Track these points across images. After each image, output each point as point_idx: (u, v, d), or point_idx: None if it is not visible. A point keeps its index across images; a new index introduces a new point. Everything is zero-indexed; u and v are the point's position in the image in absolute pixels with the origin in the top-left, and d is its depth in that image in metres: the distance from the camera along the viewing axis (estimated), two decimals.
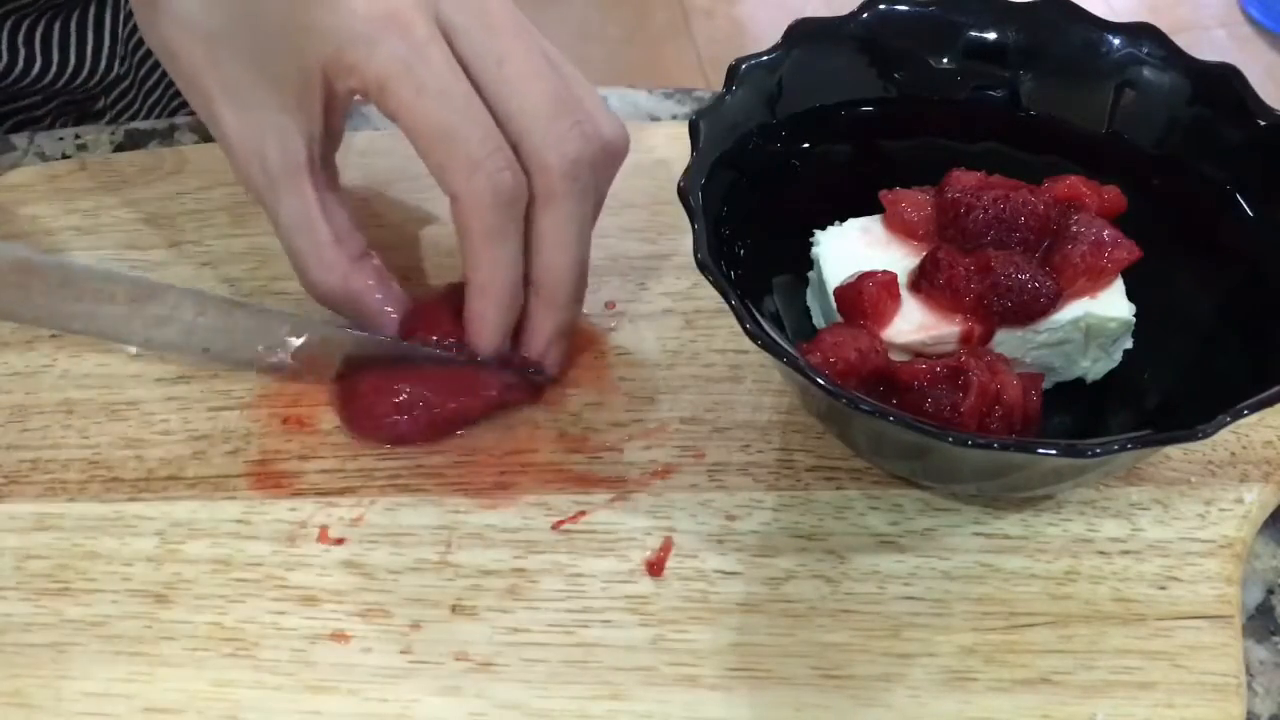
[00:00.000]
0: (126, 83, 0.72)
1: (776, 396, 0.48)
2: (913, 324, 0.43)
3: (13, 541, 0.46)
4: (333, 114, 0.46)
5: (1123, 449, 0.36)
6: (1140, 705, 0.40)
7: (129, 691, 0.42)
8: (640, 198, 0.54)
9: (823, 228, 0.46)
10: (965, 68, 0.48)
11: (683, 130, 0.44)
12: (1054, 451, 0.36)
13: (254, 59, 0.45)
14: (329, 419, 0.48)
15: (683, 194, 0.42)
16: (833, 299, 0.44)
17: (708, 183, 0.43)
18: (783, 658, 0.41)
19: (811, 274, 0.47)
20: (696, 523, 0.45)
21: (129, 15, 0.71)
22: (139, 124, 0.63)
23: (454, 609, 0.43)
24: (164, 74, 0.75)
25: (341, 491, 0.46)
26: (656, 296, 0.52)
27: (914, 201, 0.45)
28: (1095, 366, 0.46)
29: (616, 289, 0.52)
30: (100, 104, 0.71)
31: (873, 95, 0.48)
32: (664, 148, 0.55)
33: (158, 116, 0.74)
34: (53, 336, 0.52)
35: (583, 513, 0.45)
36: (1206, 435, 0.36)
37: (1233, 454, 0.45)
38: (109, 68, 0.69)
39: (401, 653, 0.42)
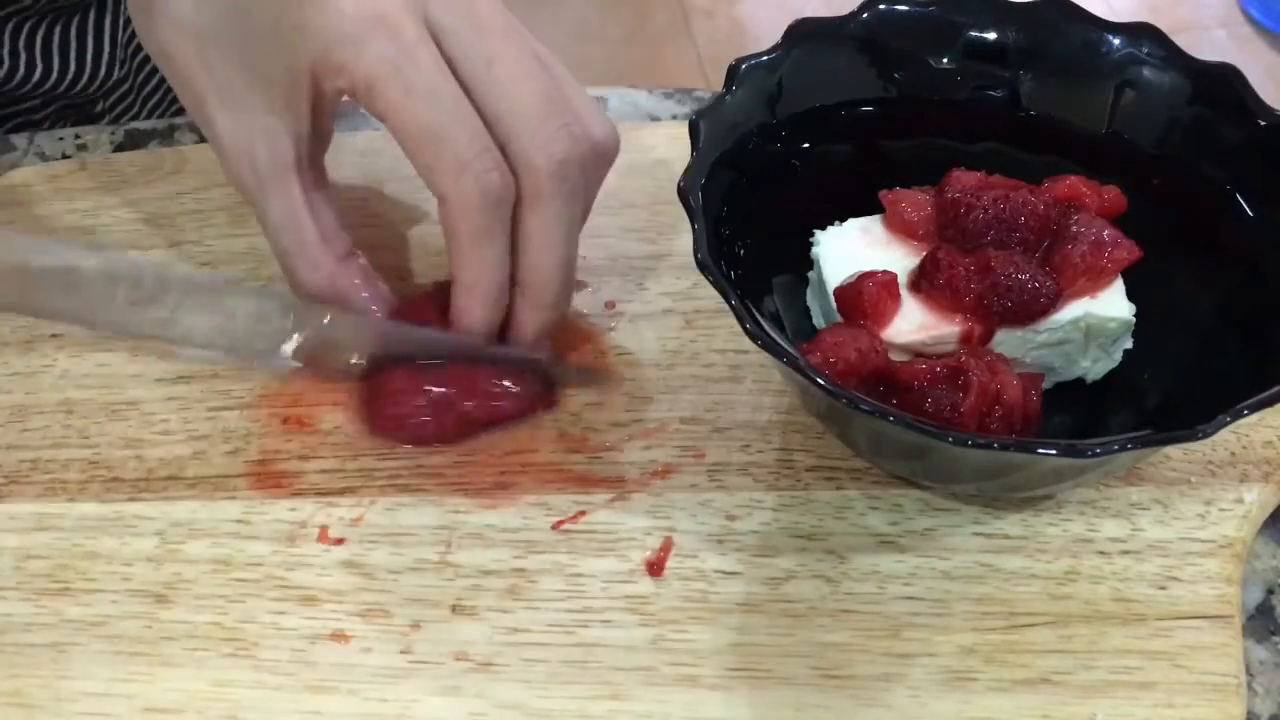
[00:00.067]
0: (126, 86, 0.72)
1: (776, 396, 0.48)
2: (913, 324, 0.43)
3: (13, 541, 0.46)
4: (321, 114, 0.46)
5: (1123, 449, 0.36)
6: (1140, 705, 0.40)
7: (129, 691, 0.42)
8: (640, 198, 0.54)
9: (823, 228, 0.46)
10: (965, 68, 0.48)
11: (683, 130, 0.44)
12: (1054, 451, 0.36)
13: (244, 59, 0.45)
14: (329, 419, 0.48)
15: (683, 194, 0.42)
16: (833, 299, 0.44)
17: (708, 183, 0.43)
18: (783, 658, 0.41)
19: (811, 274, 0.47)
20: (696, 523, 0.45)
21: (128, 20, 0.71)
22: (139, 124, 0.63)
23: (454, 609, 0.43)
24: (163, 78, 0.75)
25: (341, 491, 0.46)
26: (656, 296, 0.52)
27: (914, 201, 0.45)
28: (1095, 366, 0.46)
29: (616, 289, 0.52)
30: (99, 107, 0.71)
31: (873, 95, 0.48)
32: (664, 148, 0.55)
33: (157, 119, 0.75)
34: (53, 336, 0.52)
35: (583, 513, 0.45)
36: (1206, 435, 0.36)
37: (1233, 454, 0.45)
38: (109, 72, 0.70)
39: (401, 653, 0.42)
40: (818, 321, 0.47)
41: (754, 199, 0.46)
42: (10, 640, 0.43)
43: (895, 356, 0.43)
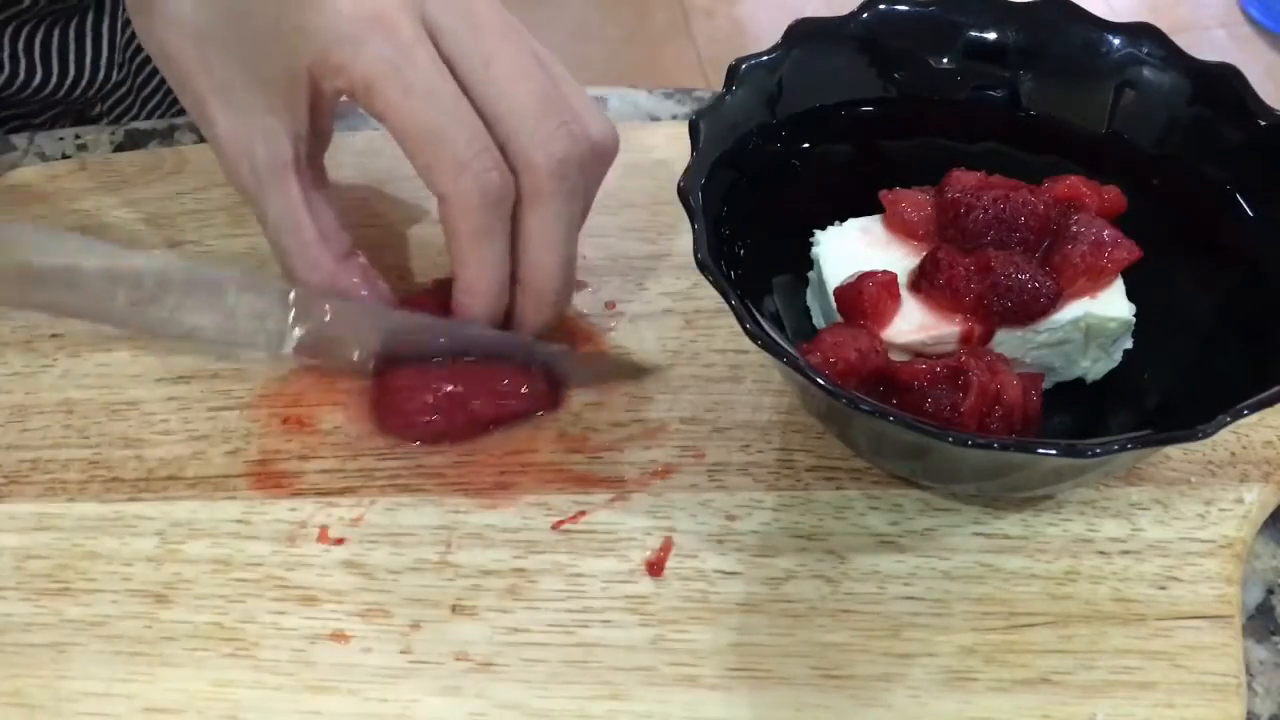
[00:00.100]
0: (124, 89, 0.72)
1: (776, 396, 0.48)
2: (913, 324, 0.43)
3: (13, 541, 0.46)
4: (319, 114, 0.46)
5: (1123, 449, 0.36)
6: (1140, 705, 0.40)
7: (129, 691, 0.42)
8: (640, 198, 0.54)
9: (823, 228, 0.46)
10: (965, 68, 0.48)
11: (683, 130, 0.44)
12: (1054, 451, 0.36)
13: (243, 59, 0.45)
14: (329, 419, 0.48)
15: (683, 194, 0.42)
16: (833, 299, 0.44)
17: (708, 183, 0.43)
18: (783, 658, 0.41)
19: (811, 274, 0.47)
20: (696, 523, 0.45)
21: (126, 23, 0.71)
22: (139, 124, 0.63)
23: (454, 609, 0.43)
24: (162, 81, 0.75)
25: (341, 491, 0.46)
26: (656, 296, 0.52)
27: (914, 201, 0.45)
28: (1095, 366, 0.46)
29: (616, 289, 0.52)
30: (97, 110, 0.71)
31: (873, 95, 0.48)
32: (664, 148, 0.55)
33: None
34: (53, 336, 0.52)
35: (583, 513, 0.45)
36: (1206, 435, 0.36)
37: (1233, 454, 0.45)
38: (107, 76, 0.69)
39: (401, 653, 0.42)
40: (818, 321, 0.47)
41: (754, 199, 0.46)
42: (10, 640, 0.43)
43: (895, 356, 0.43)
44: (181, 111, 0.75)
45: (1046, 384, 0.44)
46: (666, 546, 0.44)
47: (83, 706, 0.42)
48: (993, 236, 0.43)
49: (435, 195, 0.44)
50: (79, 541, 0.45)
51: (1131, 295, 0.44)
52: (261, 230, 0.48)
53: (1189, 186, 0.46)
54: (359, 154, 0.57)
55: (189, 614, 0.43)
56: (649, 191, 0.54)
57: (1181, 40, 0.46)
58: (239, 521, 0.46)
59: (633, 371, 0.49)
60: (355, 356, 0.49)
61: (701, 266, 0.40)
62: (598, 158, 0.46)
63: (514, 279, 0.46)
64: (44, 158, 0.61)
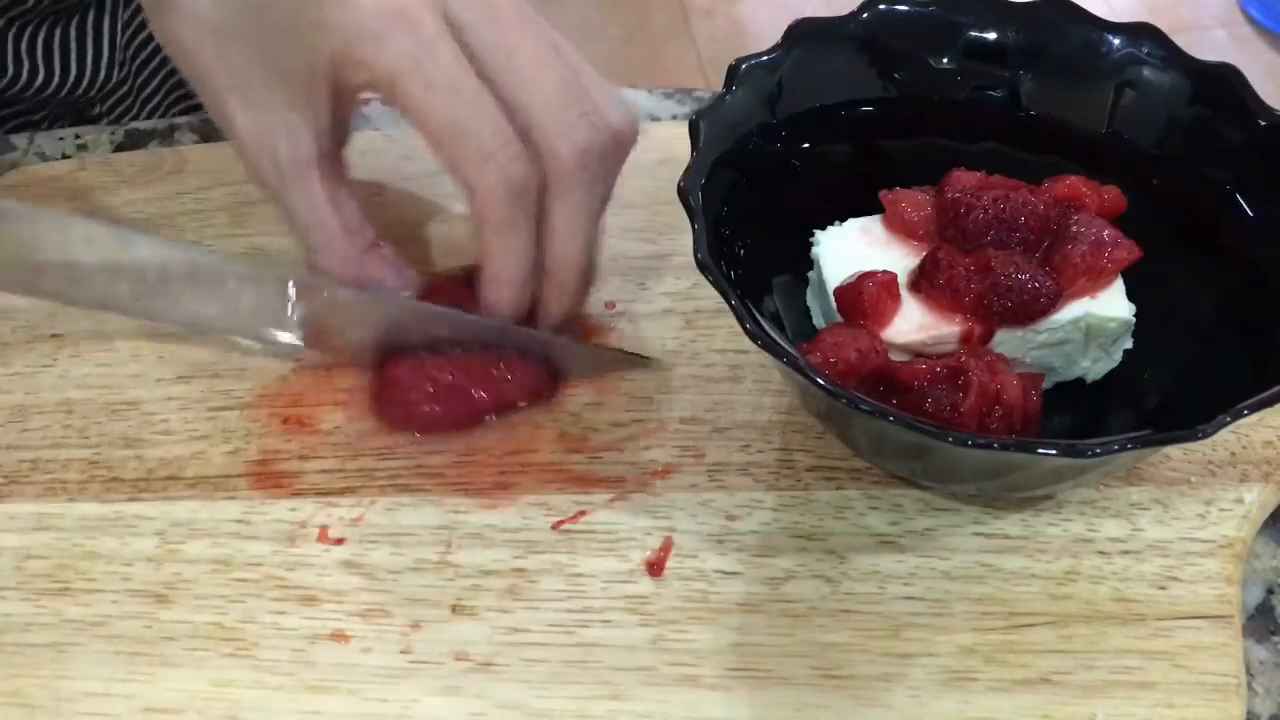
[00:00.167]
0: (124, 89, 0.72)
1: (776, 396, 0.48)
2: (913, 324, 0.43)
3: (13, 541, 0.46)
4: (341, 109, 0.46)
5: (1123, 449, 0.36)
6: (1140, 705, 0.40)
7: (129, 691, 0.42)
8: (640, 198, 0.54)
9: (823, 228, 0.46)
10: (965, 68, 0.48)
11: (683, 130, 0.44)
12: (1054, 451, 0.36)
13: (263, 55, 0.45)
14: (329, 419, 0.48)
15: (683, 194, 0.42)
16: (833, 299, 0.44)
17: (708, 183, 0.43)
18: (783, 658, 0.41)
19: (811, 274, 0.47)
20: (696, 523, 0.45)
21: (128, 22, 0.71)
22: (139, 124, 0.63)
23: (454, 609, 0.43)
24: (162, 80, 0.75)
25: (341, 491, 0.46)
26: (656, 296, 0.52)
27: (914, 201, 0.45)
28: (1095, 366, 0.46)
29: (616, 289, 0.52)
30: (97, 110, 0.71)
31: (873, 95, 0.48)
32: (664, 148, 0.55)
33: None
34: (53, 336, 0.52)
35: (583, 513, 0.45)
36: (1206, 435, 0.36)
37: (1233, 454, 0.45)
38: (108, 75, 0.69)
39: (401, 653, 0.42)
40: (818, 321, 0.47)
41: (754, 199, 0.46)
42: (10, 640, 0.43)
43: (895, 356, 0.43)
44: (183, 112, 0.76)
45: (1046, 384, 0.44)
46: (666, 546, 0.44)
47: (83, 706, 0.42)
48: (993, 236, 0.43)
49: (461, 188, 0.44)
50: (79, 541, 0.45)
51: (1131, 295, 0.44)
52: (286, 226, 0.48)
53: (1189, 186, 0.46)
54: (359, 154, 0.57)
55: (189, 614, 0.43)
56: (649, 191, 0.54)
57: (1181, 40, 0.46)
58: (239, 521, 0.46)
59: (630, 362, 0.49)
60: (357, 340, 0.49)
61: (701, 266, 0.40)
62: (618, 146, 0.46)
63: (538, 267, 0.47)
64: (44, 158, 0.61)
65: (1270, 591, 0.44)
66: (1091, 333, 0.44)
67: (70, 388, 0.50)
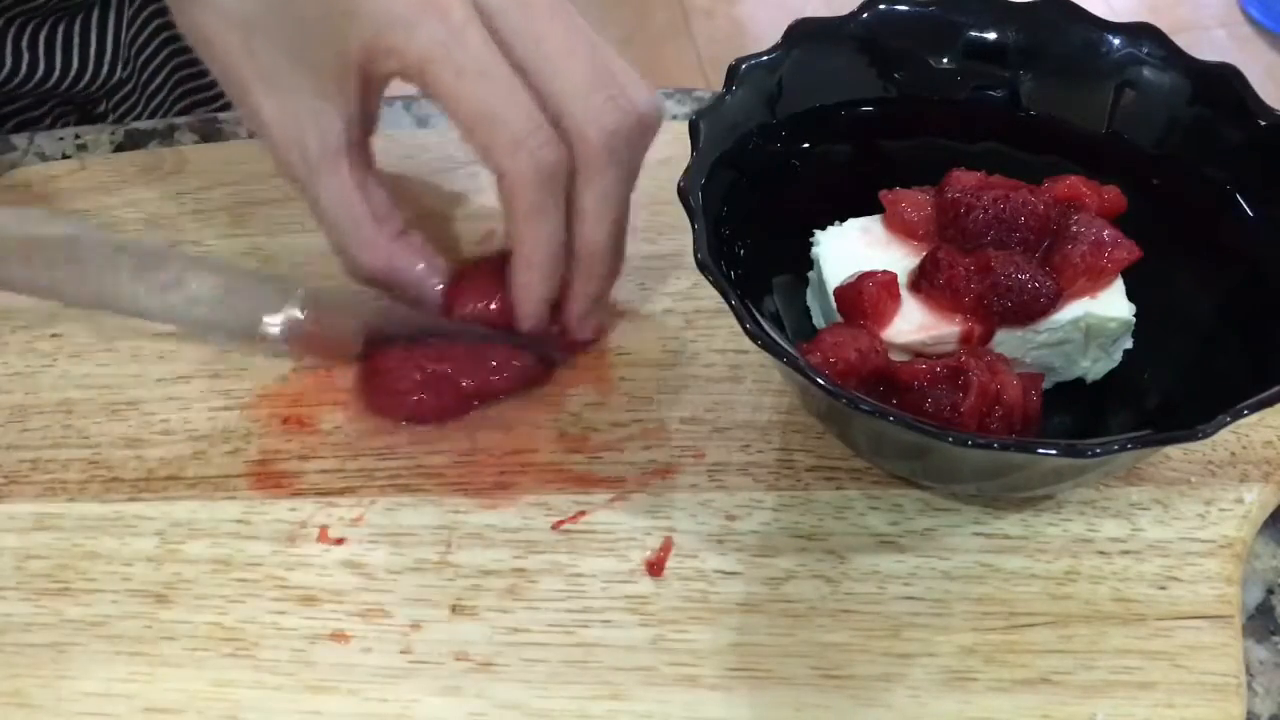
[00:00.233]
0: (129, 86, 0.72)
1: (776, 396, 0.48)
2: (913, 324, 0.43)
3: (13, 541, 0.46)
4: (369, 97, 0.47)
5: (1123, 449, 0.36)
6: (1140, 705, 0.40)
7: (129, 691, 0.42)
8: (640, 198, 0.53)
9: (823, 228, 0.46)
10: (965, 68, 0.48)
11: (683, 130, 0.44)
12: (1054, 451, 0.36)
13: (291, 45, 0.45)
14: (329, 419, 0.48)
15: (683, 194, 0.42)
16: (833, 299, 0.44)
17: (708, 183, 0.43)
18: (783, 658, 0.41)
19: (811, 274, 0.47)
20: (696, 523, 0.45)
21: (132, 19, 0.71)
22: (139, 124, 0.63)
23: (454, 609, 0.43)
24: (167, 77, 0.75)
25: (341, 491, 0.46)
26: (656, 296, 0.52)
27: (914, 201, 0.45)
28: (1095, 366, 0.46)
29: (616, 289, 0.52)
30: (102, 107, 0.71)
31: (873, 95, 0.48)
32: (664, 148, 0.55)
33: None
34: (53, 336, 0.52)
35: (583, 513, 0.45)
36: (1206, 435, 0.36)
37: (1233, 454, 0.45)
38: (111, 72, 0.70)
39: (401, 653, 0.42)
40: (818, 321, 0.47)
41: (754, 199, 0.46)
42: (10, 640, 0.43)
43: (895, 356, 0.43)
44: (188, 109, 0.76)
45: (1046, 384, 0.44)
46: (666, 546, 0.44)
47: (83, 706, 0.42)
48: (993, 236, 0.43)
49: (493, 173, 0.44)
50: (79, 541, 0.45)
51: (1131, 295, 0.44)
52: (313, 216, 0.48)
53: (1189, 186, 0.46)
54: None
55: (189, 614, 0.43)
56: (649, 191, 0.54)
57: (1181, 40, 0.46)
58: (239, 521, 0.46)
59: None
60: (347, 334, 0.49)
61: (701, 266, 0.40)
62: (645, 130, 0.46)
63: (567, 250, 0.47)
64: (44, 158, 0.61)
65: (1270, 591, 0.44)
66: (1091, 333, 0.44)
67: (70, 388, 0.50)
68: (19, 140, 0.61)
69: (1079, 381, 0.46)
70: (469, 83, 0.43)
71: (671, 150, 0.56)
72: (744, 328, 0.39)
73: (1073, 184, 0.45)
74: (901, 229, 0.45)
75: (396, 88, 0.48)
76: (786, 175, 0.48)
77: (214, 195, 0.56)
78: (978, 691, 0.40)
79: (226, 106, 0.77)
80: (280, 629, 0.43)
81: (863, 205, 0.46)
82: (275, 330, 0.49)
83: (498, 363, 0.48)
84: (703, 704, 0.41)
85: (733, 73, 0.45)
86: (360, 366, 0.49)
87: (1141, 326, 0.45)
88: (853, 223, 0.46)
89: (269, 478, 0.47)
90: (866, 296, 0.43)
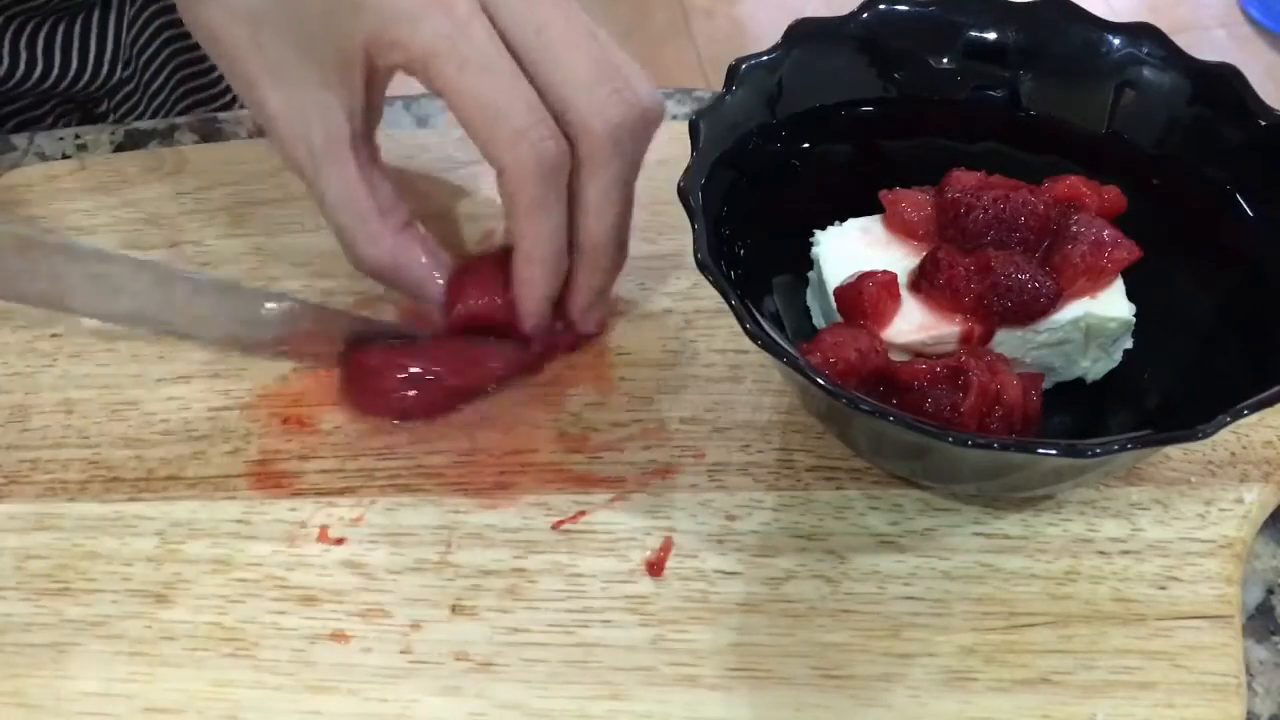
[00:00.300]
0: (130, 86, 0.72)
1: (776, 396, 0.48)
2: (913, 324, 0.43)
3: (13, 541, 0.46)
4: (374, 90, 0.47)
5: (1123, 449, 0.36)
6: (1140, 705, 0.40)
7: (129, 691, 0.42)
8: (640, 198, 0.53)
9: (823, 228, 0.46)
10: (965, 68, 0.48)
11: (683, 130, 0.44)
12: (1054, 451, 0.36)
13: (296, 38, 0.45)
14: (329, 419, 0.48)
15: (683, 194, 0.42)
16: (833, 299, 0.44)
17: (708, 183, 0.43)
18: (783, 658, 0.41)
19: (811, 274, 0.47)
20: (696, 523, 0.45)
21: (133, 19, 0.71)
22: (139, 124, 0.63)
23: (454, 609, 0.43)
24: (168, 77, 0.75)
25: (341, 491, 0.46)
26: (656, 296, 0.52)
27: (914, 201, 0.45)
28: (1095, 366, 0.46)
29: (617, 286, 0.52)
30: (103, 107, 0.71)
31: (873, 95, 0.48)
32: (664, 148, 0.55)
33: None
34: (53, 336, 0.52)
35: (583, 513, 0.45)
36: (1206, 435, 0.36)
37: (1233, 454, 0.45)
38: (111, 72, 0.70)
39: (401, 653, 0.42)
40: (818, 321, 0.47)
41: (754, 199, 0.46)
42: (10, 640, 0.43)
43: (895, 356, 0.43)
44: (189, 109, 0.76)
45: (1046, 384, 0.44)
46: (666, 546, 0.44)
47: (83, 706, 0.42)
48: (993, 236, 0.43)
49: (494, 167, 0.44)
50: (79, 541, 0.45)
51: (1131, 295, 0.44)
52: (319, 209, 0.48)
53: (1189, 186, 0.46)
54: None
55: (189, 614, 0.43)
56: (649, 191, 0.54)
57: (1181, 40, 0.46)
58: (239, 521, 0.46)
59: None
60: (331, 340, 0.50)
61: (701, 266, 0.40)
62: (648, 122, 0.46)
63: (570, 244, 0.47)
64: (44, 158, 0.61)
65: (1270, 591, 0.44)
66: (1091, 333, 0.44)
67: (70, 388, 0.50)
68: (19, 140, 0.61)
69: (1079, 381, 0.46)
70: (471, 76, 0.43)
71: (671, 150, 0.56)
72: (744, 328, 0.39)
73: (1073, 184, 0.45)
74: (901, 229, 0.45)
75: (397, 88, 0.48)
76: (786, 175, 0.48)
77: (214, 195, 0.56)
78: (978, 691, 0.40)
79: (228, 106, 0.77)
80: (280, 629, 0.43)
81: (863, 205, 0.46)
82: (255, 342, 0.50)
83: (483, 354, 0.48)
84: (703, 704, 0.41)
85: (733, 73, 0.45)
86: (344, 366, 0.49)
87: (1141, 326, 0.45)
88: (853, 223, 0.46)
89: (269, 478, 0.47)
90: (866, 296, 0.43)
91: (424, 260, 0.49)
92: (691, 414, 0.48)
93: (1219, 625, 0.41)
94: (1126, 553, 0.43)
